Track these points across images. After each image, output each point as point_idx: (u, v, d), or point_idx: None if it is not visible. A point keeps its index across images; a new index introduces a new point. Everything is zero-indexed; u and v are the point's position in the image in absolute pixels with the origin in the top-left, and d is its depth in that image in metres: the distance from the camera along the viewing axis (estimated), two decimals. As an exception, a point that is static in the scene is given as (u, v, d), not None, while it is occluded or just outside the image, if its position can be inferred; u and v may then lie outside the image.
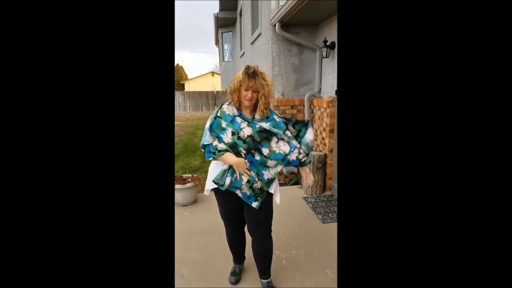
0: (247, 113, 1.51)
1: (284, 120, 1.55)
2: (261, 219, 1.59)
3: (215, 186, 1.54)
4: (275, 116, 1.52)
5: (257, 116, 1.48)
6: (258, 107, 1.45)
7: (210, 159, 1.47)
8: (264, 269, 1.72)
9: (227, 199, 1.58)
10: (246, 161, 1.43)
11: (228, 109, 1.49)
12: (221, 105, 1.52)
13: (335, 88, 3.17)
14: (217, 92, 16.09)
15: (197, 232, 2.49)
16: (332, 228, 2.52)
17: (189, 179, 3.08)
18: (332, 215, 2.73)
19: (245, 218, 1.63)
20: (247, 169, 1.44)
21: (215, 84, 20.85)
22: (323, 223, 2.60)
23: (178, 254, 2.10)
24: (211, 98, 16.07)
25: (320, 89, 3.60)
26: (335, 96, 3.15)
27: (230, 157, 1.42)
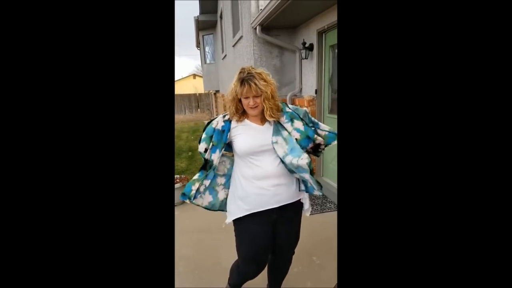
0: (260, 122, 1.28)
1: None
2: (293, 241, 1.44)
3: (241, 214, 1.26)
4: (287, 109, 1.32)
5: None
6: (265, 113, 1.22)
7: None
8: (278, 285, 1.63)
9: (256, 228, 1.27)
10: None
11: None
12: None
13: (314, 87, 3.33)
14: (200, 94, 16.06)
15: (189, 230, 2.57)
16: (318, 219, 2.67)
17: (178, 180, 3.16)
18: (317, 207, 2.89)
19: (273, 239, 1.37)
20: None
21: (197, 87, 20.77)
22: (309, 215, 2.75)
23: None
24: (194, 101, 16.00)
25: (301, 89, 3.76)
26: (315, 95, 3.32)
27: None
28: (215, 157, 1.27)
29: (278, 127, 1.28)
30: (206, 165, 1.31)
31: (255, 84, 1.17)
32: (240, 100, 1.23)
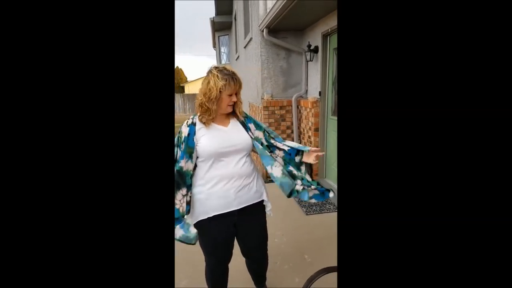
0: (223, 122, 1.32)
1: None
2: (261, 240, 1.48)
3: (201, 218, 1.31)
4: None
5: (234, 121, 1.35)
6: (237, 109, 1.31)
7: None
8: (261, 282, 1.67)
9: (217, 229, 1.32)
10: None
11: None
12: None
13: (319, 89, 3.37)
14: (216, 94, 16.27)
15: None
16: (314, 219, 2.72)
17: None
18: (316, 207, 2.93)
19: (240, 243, 1.45)
20: None
21: (214, 86, 20.99)
22: (307, 215, 2.80)
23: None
24: (210, 100, 16.23)
25: (307, 90, 3.80)
26: (318, 97, 3.36)
27: None
28: (183, 163, 1.24)
29: (245, 126, 1.34)
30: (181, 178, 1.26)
31: (239, 79, 1.26)
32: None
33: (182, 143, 1.25)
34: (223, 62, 9.74)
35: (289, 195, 1.39)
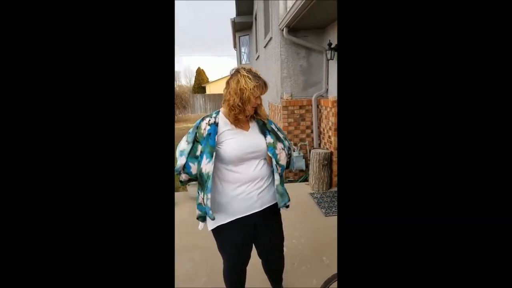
0: (244, 126, 1.31)
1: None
2: (279, 242, 1.49)
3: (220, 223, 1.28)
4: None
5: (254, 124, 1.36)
6: (260, 111, 1.31)
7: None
8: (277, 282, 1.65)
9: (238, 232, 1.31)
10: None
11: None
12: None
13: (340, 88, 3.30)
14: (237, 94, 16.41)
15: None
16: (334, 221, 2.66)
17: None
18: (335, 209, 2.87)
19: (257, 245, 1.45)
20: None
21: (235, 86, 21.17)
22: (326, 216, 2.76)
23: (191, 241, 2.35)
24: (231, 100, 16.42)
25: (327, 89, 3.74)
26: (339, 96, 3.29)
27: None
28: (204, 164, 1.20)
29: (264, 130, 1.33)
30: (201, 180, 1.24)
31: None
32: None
33: (199, 141, 1.24)
34: (243, 62, 9.79)
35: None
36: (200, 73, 26.65)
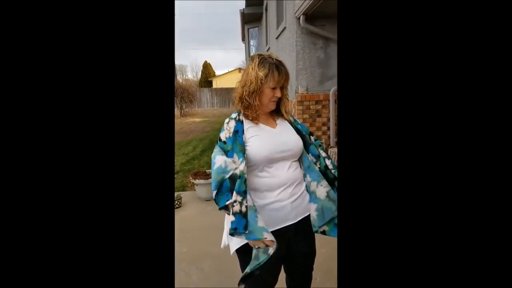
0: (269, 122, 1.11)
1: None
2: (312, 258, 1.24)
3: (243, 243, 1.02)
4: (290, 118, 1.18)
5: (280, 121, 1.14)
6: (283, 108, 1.12)
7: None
8: None
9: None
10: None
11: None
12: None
13: (362, 81, 3.04)
14: (244, 88, 16.20)
15: (220, 227, 2.52)
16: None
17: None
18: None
19: (286, 261, 1.19)
20: None
21: (242, 81, 20.95)
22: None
23: (199, 248, 2.13)
24: (238, 95, 16.24)
25: (347, 83, 3.47)
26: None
27: None
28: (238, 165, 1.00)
29: (292, 128, 1.13)
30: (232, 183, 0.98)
31: (286, 71, 1.04)
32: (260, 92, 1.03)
33: (229, 143, 1.03)
34: (252, 55, 9.52)
35: (323, 225, 1.10)
36: (207, 67, 26.48)
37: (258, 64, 1.01)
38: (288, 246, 1.11)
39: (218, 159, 1.02)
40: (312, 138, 1.19)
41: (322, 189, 1.09)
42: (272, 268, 1.09)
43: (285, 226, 1.06)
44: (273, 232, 0.99)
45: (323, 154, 1.15)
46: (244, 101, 1.04)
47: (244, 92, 1.03)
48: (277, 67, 1.02)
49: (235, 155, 1.01)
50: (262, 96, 1.03)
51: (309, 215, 1.12)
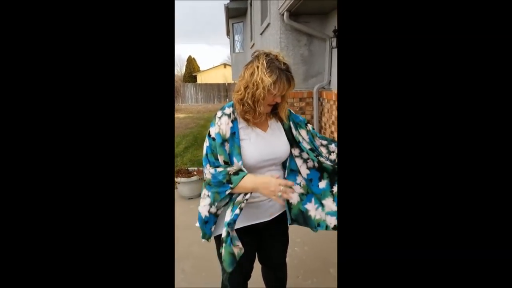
0: (261, 125, 1.07)
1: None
2: (285, 248, 1.29)
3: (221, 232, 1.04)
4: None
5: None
6: (282, 113, 1.06)
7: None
8: None
9: (243, 242, 1.03)
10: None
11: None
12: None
13: (345, 79, 3.06)
14: (229, 84, 16.06)
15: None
16: (339, 224, 2.46)
17: (195, 172, 3.08)
18: (339, 211, 2.67)
19: (260, 250, 1.24)
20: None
21: (227, 76, 20.79)
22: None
23: (181, 248, 2.09)
24: (223, 90, 16.08)
25: (330, 81, 3.48)
26: (344, 88, 3.05)
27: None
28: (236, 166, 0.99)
29: (283, 129, 1.10)
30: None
31: (294, 79, 0.99)
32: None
33: (225, 143, 0.98)
34: (236, 50, 9.42)
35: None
36: (191, 62, 26.01)
37: (266, 68, 0.92)
38: (261, 235, 1.17)
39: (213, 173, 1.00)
40: (309, 126, 1.17)
41: (295, 195, 1.13)
42: (251, 256, 1.17)
43: (258, 222, 1.11)
44: (246, 226, 1.07)
45: (323, 142, 1.17)
46: (246, 104, 0.96)
47: (247, 95, 0.95)
48: (286, 75, 0.95)
49: (235, 160, 0.99)
50: (263, 102, 0.96)
51: (285, 211, 1.16)
